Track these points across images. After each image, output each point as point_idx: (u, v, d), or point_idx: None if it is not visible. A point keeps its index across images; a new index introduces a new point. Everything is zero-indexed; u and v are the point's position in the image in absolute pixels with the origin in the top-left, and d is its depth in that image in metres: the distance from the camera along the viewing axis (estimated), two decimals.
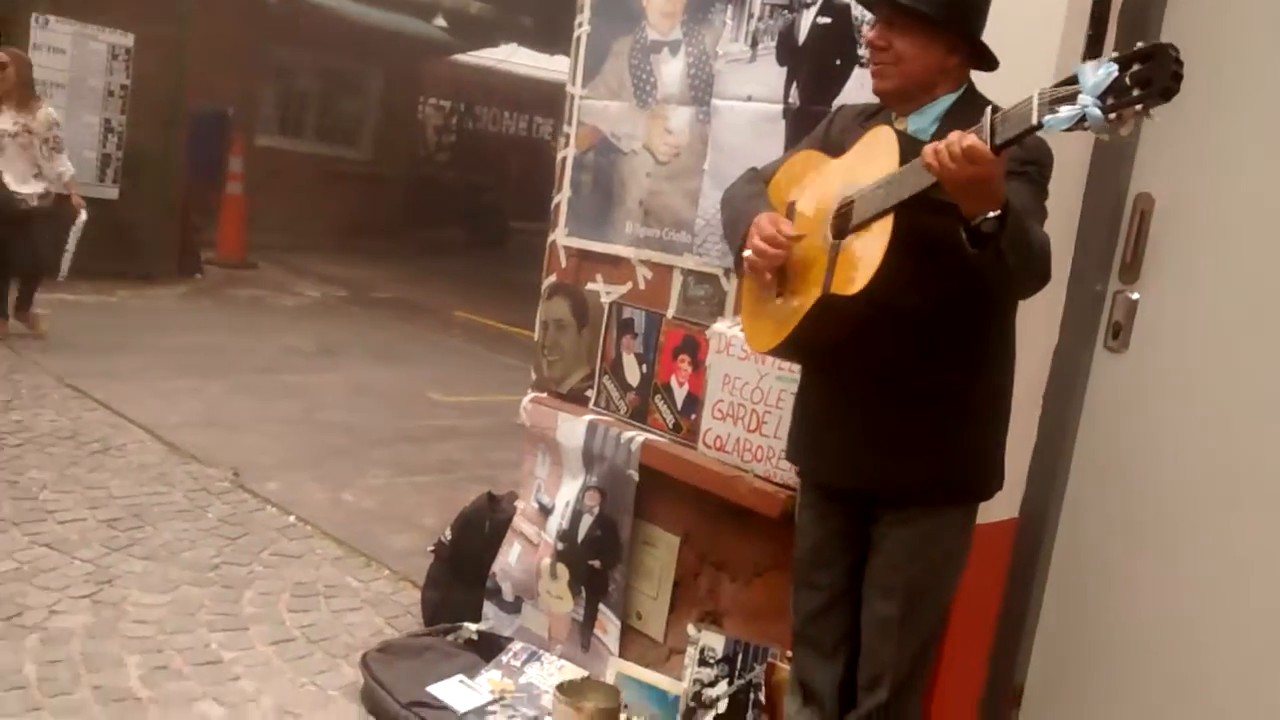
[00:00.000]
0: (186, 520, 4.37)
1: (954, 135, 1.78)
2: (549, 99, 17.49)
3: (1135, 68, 1.55)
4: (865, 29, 2.59)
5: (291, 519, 4.54)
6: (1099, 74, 1.58)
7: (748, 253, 2.17)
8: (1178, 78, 1.54)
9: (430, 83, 17.04)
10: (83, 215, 7.01)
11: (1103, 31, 2.52)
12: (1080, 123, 1.60)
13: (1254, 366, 2.48)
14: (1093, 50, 2.50)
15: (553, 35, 13.28)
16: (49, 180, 6.92)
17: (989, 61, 2.17)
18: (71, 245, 7.05)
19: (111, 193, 9.27)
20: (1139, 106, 1.55)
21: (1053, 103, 1.64)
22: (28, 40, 8.72)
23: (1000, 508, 2.50)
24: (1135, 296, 2.64)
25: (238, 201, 11.40)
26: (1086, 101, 1.59)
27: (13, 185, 6.76)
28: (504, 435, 6.14)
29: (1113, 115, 1.57)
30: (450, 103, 18.21)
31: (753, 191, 2.35)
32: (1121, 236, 2.65)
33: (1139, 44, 1.58)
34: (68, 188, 7.01)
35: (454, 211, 16.35)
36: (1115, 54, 1.59)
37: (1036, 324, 2.44)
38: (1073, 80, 1.62)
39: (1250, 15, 2.47)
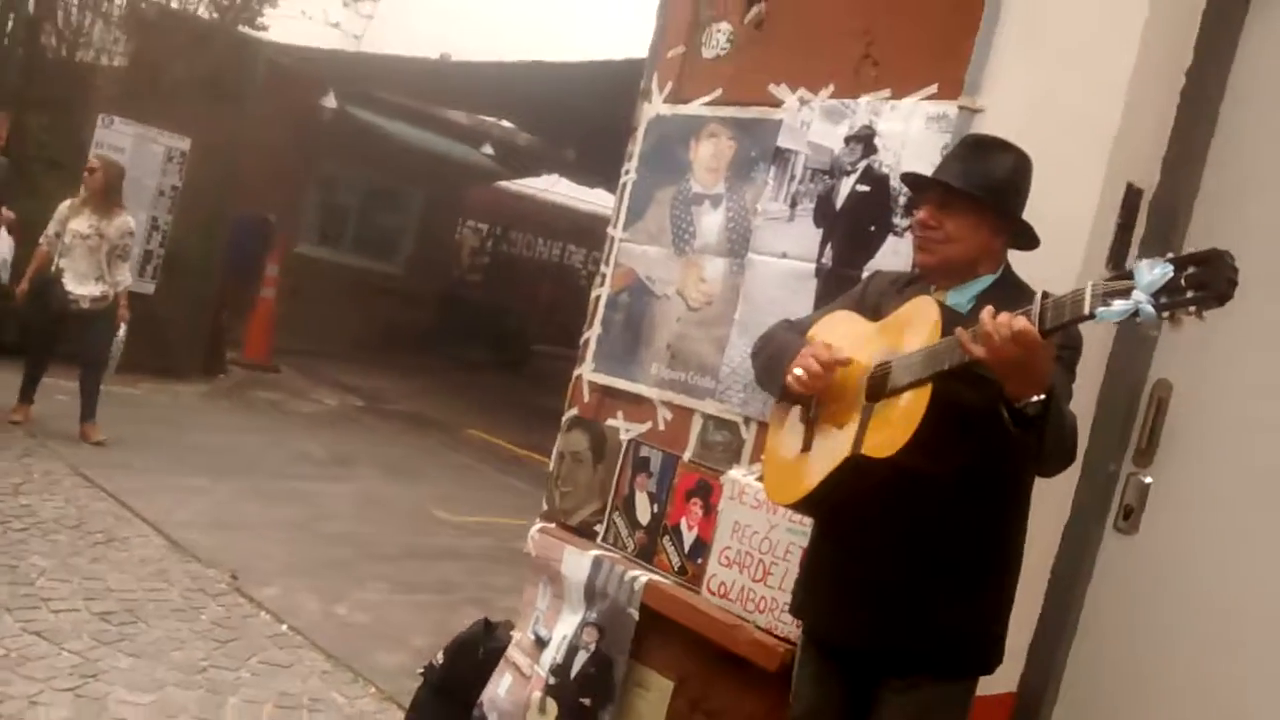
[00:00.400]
0: (180, 619, 4.33)
1: (1004, 316, 1.79)
2: (583, 228, 17.94)
3: (1191, 270, 1.58)
4: (901, 199, 2.69)
5: (284, 628, 4.49)
6: (1154, 273, 1.60)
7: (797, 371, 2.16)
8: (1233, 284, 1.57)
9: (470, 205, 17.46)
10: (123, 329, 7.01)
11: (1132, 220, 2.59)
12: (1133, 317, 1.63)
13: (1267, 555, 2.47)
14: (1122, 236, 2.56)
15: (594, 168, 13.67)
16: (108, 285, 6.90)
17: (1032, 241, 2.23)
18: (114, 354, 7.03)
19: (148, 288, 9.41)
20: (1193, 308, 1.58)
21: (1106, 295, 1.66)
22: (91, 138, 9.01)
23: (998, 681, 2.46)
24: (1148, 480, 2.65)
25: (269, 306, 11.60)
26: (1141, 298, 1.61)
27: (69, 285, 6.78)
28: (505, 559, 6.11)
29: (1166, 314, 1.60)
30: (488, 226, 18.61)
31: (793, 335, 2.38)
32: (1138, 421, 2.67)
33: (1194, 249, 1.60)
34: (119, 297, 6.99)
35: (479, 331, 16.55)
36: (1171, 255, 1.61)
37: (1049, 500, 2.44)
38: (1127, 275, 1.64)
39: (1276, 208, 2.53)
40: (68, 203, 7.02)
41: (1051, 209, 2.32)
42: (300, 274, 12.53)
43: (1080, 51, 2.51)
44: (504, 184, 17.62)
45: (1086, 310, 1.69)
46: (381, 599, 5.18)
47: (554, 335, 16.27)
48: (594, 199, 16.63)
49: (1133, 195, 2.57)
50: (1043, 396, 1.84)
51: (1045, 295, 1.80)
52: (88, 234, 6.83)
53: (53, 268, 6.83)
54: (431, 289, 16.06)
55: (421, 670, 3.67)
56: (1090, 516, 2.69)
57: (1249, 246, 2.51)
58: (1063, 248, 2.40)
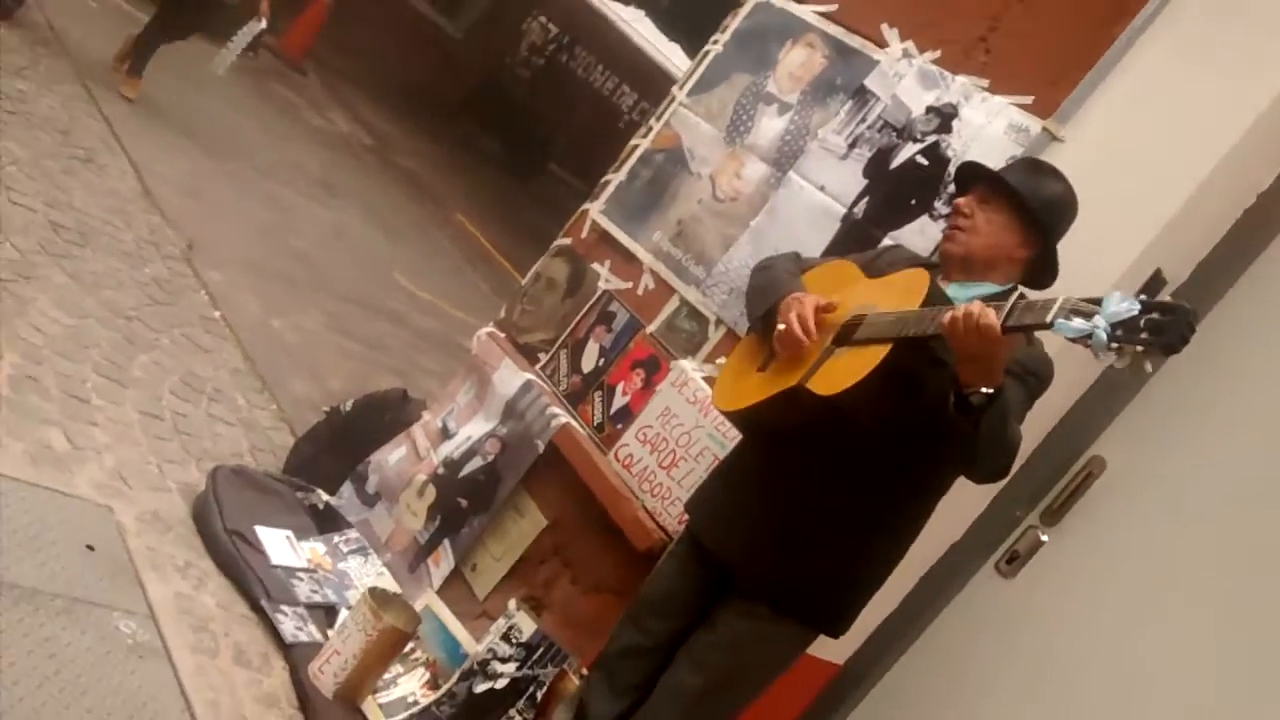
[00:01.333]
0: (125, 263, 4.36)
1: (976, 305, 1.89)
2: (645, 76, 17.52)
3: (1154, 315, 1.65)
4: (950, 188, 2.71)
5: (217, 314, 4.54)
6: (1121, 305, 1.68)
7: (781, 327, 2.22)
8: (1185, 340, 1.64)
9: (548, 3, 17.02)
10: (263, 23, 6.67)
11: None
12: (1086, 339, 1.70)
13: (1123, 650, 2.60)
14: None
15: (681, 24, 13.30)
16: None
17: (1051, 271, 2.28)
18: (238, 44, 6.72)
19: None
20: (1140, 349, 1.65)
21: (1072, 311, 1.74)
22: None
23: (831, 648, 2.60)
24: (1045, 538, 2.76)
25: (321, 8, 11.35)
26: (1100, 324, 1.68)
27: None
28: (441, 346, 6.21)
29: (1115, 345, 1.67)
30: (558, 30, 18.18)
31: (795, 270, 2.44)
32: (1062, 483, 2.77)
33: (1169, 298, 1.68)
34: None
35: (507, 126, 16.32)
36: (1144, 297, 1.68)
37: (947, 517, 2.53)
38: (1097, 301, 1.72)
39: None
40: None
41: (1077, 259, 2.36)
42: None
43: (1172, 130, 2.51)
44: None
45: (1048, 318, 1.77)
46: (316, 329, 5.24)
47: (573, 163, 16.11)
48: (668, 53, 16.25)
49: (1156, 282, 2.61)
50: (989, 391, 1.92)
51: (1021, 295, 1.89)
52: None
53: None
54: (479, 64, 15.75)
55: (327, 409, 3.77)
56: (977, 547, 2.81)
57: (1236, 376, 2.62)
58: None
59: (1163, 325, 1.64)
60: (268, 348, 4.62)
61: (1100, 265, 2.51)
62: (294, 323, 5.10)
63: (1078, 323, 1.71)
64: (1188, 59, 2.53)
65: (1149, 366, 1.67)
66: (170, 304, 4.33)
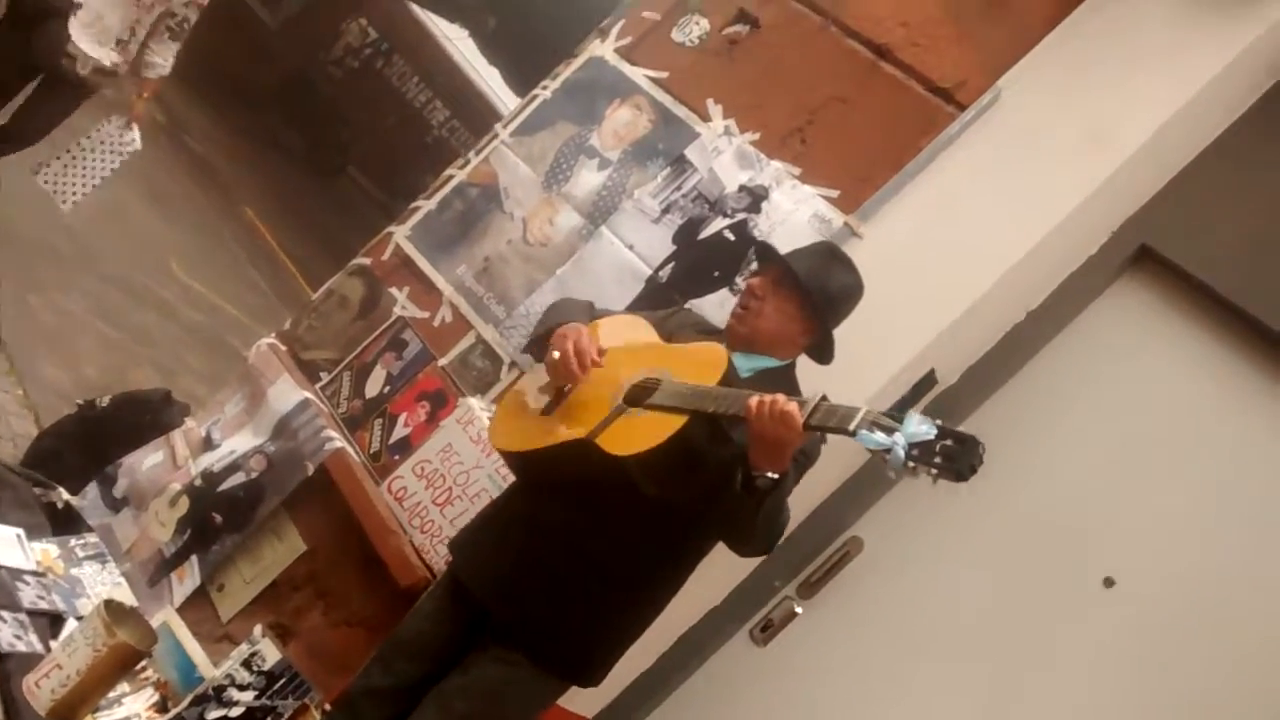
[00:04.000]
0: None
1: (781, 396, 1.93)
2: (459, 96, 17.35)
3: (948, 441, 1.74)
4: (752, 266, 2.79)
5: None
6: (920, 427, 1.75)
7: (555, 354, 2.21)
8: (973, 470, 1.74)
9: (371, 7, 16.67)
10: (136, 132, 4.95)
11: (915, 401, 2.78)
12: (885, 453, 1.77)
13: None
14: (899, 408, 2.75)
15: (503, 53, 13.30)
16: (124, 58, 4.48)
17: (828, 355, 2.37)
18: (100, 167, 4.94)
19: None
20: (932, 472, 1.74)
21: (873, 424, 1.81)
22: None
23: (580, 701, 2.60)
24: (799, 610, 2.86)
25: None
26: (899, 441, 1.75)
27: (79, 38, 4.26)
28: (211, 345, 5.91)
29: (910, 464, 1.75)
30: (377, 35, 17.81)
31: (582, 310, 2.44)
32: (820, 558, 2.88)
33: (962, 429, 1.77)
34: (142, 86, 4.78)
35: (310, 122, 15.80)
36: (940, 422, 1.77)
37: (707, 582, 2.55)
38: (898, 417, 1.79)
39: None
40: None
41: (859, 352, 2.46)
42: None
43: (961, 243, 2.69)
44: (416, 9, 16.92)
45: (851, 427, 1.83)
46: (77, 312, 4.88)
47: (374, 170, 15.72)
48: (486, 77, 16.21)
49: (927, 382, 2.77)
50: (775, 476, 1.98)
51: (824, 398, 1.95)
52: None
53: None
54: (290, 56, 15.23)
55: (81, 402, 3.52)
56: (734, 614, 2.88)
57: (986, 476, 2.80)
58: (844, 386, 2.53)
59: (954, 454, 1.73)
60: (20, 326, 4.27)
61: (880, 360, 2.65)
62: (53, 301, 4.74)
63: (879, 436, 1.78)
64: (983, 180, 2.71)
65: (935, 485, 1.76)
66: None
